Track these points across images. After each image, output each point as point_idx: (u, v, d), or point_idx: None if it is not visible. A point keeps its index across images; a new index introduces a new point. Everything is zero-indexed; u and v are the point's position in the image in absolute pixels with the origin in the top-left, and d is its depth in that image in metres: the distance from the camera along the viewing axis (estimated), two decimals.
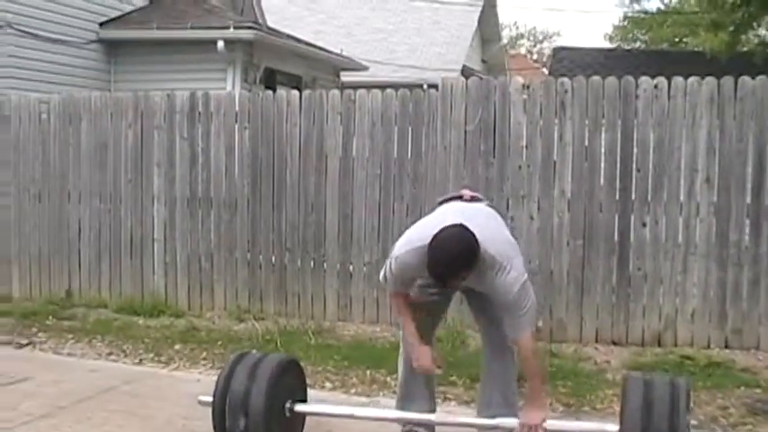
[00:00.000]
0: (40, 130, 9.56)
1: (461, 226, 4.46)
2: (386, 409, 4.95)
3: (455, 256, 4.37)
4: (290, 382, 5.03)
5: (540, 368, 4.83)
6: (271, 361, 4.99)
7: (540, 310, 7.85)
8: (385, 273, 4.84)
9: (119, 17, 15.29)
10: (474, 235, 4.42)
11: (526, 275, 4.63)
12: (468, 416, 5.41)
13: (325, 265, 8.62)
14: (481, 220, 4.73)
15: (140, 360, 7.42)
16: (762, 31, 19.32)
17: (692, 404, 4.59)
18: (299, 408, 5.03)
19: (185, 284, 9.07)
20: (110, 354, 7.60)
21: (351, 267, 8.55)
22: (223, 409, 4.78)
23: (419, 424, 5.12)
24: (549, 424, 4.66)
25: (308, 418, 5.16)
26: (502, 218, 5.15)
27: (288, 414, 4.94)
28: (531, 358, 4.68)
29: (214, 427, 4.83)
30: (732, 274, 7.66)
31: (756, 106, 7.62)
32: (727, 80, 7.70)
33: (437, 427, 5.17)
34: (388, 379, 6.39)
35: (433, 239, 4.43)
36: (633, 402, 4.39)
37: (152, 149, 9.13)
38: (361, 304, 8.47)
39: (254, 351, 6.58)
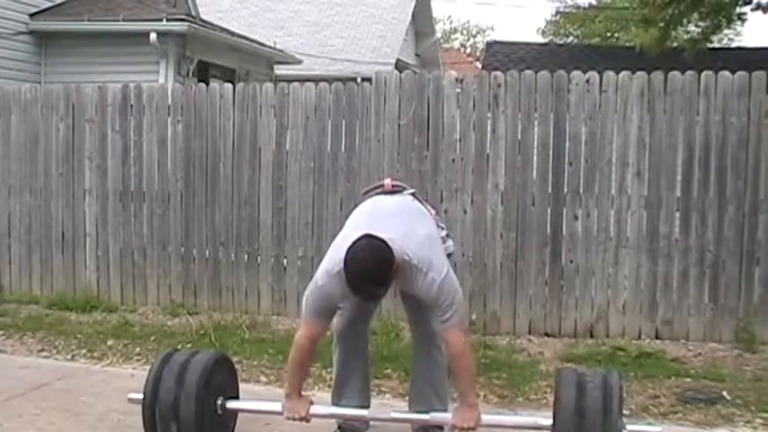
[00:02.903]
0: None
1: (370, 237, 4.42)
2: (320, 405, 4.94)
3: (373, 274, 4.33)
4: (222, 378, 5.00)
5: (472, 365, 4.76)
6: (201, 357, 4.97)
7: (474, 302, 7.96)
8: (307, 298, 4.77)
9: (49, 8, 15.13)
10: (385, 244, 4.38)
11: (445, 272, 4.59)
12: (402, 409, 5.43)
13: (259, 259, 8.59)
14: (396, 220, 4.71)
15: (73, 356, 7.34)
16: (691, 28, 19.57)
17: (624, 395, 4.64)
18: (231, 405, 5.01)
19: (118, 279, 8.98)
20: (41, 350, 7.51)
21: (285, 261, 8.53)
22: (153, 407, 4.75)
23: (353, 418, 5.12)
24: (484, 419, 4.68)
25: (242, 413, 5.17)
26: (422, 205, 5.11)
27: (220, 411, 4.92)
28: (460, 355, 4.63)
29: (144, 426, 4.80)
30: (662, 267, 7.78)
31: (685, 101, 7.74)
32: (658, 75, 7.81)
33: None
34: (324, 373, 6.39)
35: (346, 261, 4.39)
36: (566, 396, 4.43)
37: (84, 143, 9.01)
38: (295, 298, 8.43)
39: (182, 347, 6.60)
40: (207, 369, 4.85)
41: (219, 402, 4.91)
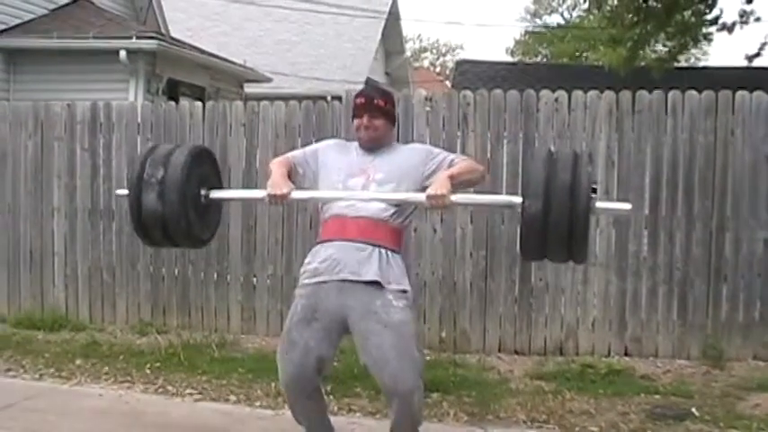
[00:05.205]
0: None
1: None
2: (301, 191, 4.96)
3: (377, 86, 4.84)
4: (204, 170, 5.05)
5: (474, 167, 4.93)
6: (184, 150, 4.99)
7: (444, 320, 7.96)
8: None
9: (18, 25, 15.03)
10: None
11: None
12: (374, 430, 5.40)
13: (228, 277, 8.56)
14: None
15: (40, 375, 7.25)
16: (658, 47, 19.78)
17: (593, 175, 4.57)
18: (215, 194, 5.06)
19: (86, 298, 8.92)
20: (8, 370, 7.42)
21: (254, 280, 8.50)
22: (139, 195, 4.78)
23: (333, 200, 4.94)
24: (459, 197, 4.67)
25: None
26: None
27: (203, 200, 4.98)
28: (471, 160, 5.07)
29: (131, 213, 4.84)
30: (631, 284, 7.82)
31: (653, 120, 7.79)
32: (625, 94, 7.86)
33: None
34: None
35: None
36: (535, 170, 4.38)
37: (52, 160, 8.96)
38: (264, 317, 8.43)
39: (150, 366, 6.55)
40: (191, 156, 4.89)
41: (203, 192, 4.97)
